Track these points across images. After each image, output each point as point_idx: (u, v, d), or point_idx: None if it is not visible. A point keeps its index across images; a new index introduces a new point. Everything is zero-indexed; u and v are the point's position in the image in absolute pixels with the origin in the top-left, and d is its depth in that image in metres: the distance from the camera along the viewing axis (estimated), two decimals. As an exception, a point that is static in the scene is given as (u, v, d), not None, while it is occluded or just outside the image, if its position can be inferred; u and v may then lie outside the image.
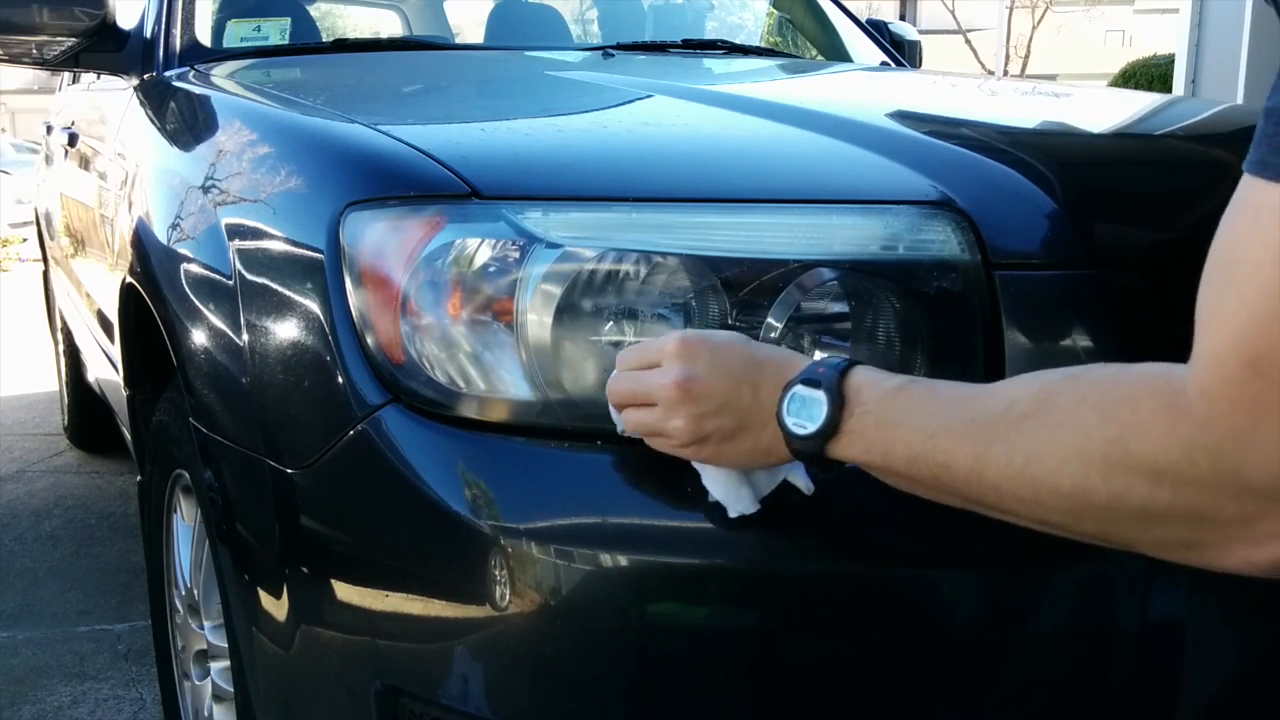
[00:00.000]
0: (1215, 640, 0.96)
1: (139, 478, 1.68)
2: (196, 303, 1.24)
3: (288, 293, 1.07)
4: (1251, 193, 0.61)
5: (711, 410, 0.81)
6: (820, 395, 0.76)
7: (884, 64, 2.49)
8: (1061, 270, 0.96)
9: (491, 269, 0.95)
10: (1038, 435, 0.66)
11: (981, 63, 21.99)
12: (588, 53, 2.19)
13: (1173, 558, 0.66)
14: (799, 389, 0.78)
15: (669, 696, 0.90)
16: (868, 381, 0.76)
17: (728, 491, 0.85)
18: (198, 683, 1.50)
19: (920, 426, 0.72)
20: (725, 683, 0.91)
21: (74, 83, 3.18)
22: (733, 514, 0.86)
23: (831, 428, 0.76)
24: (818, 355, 0.89)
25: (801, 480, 0.86)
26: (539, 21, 2.55)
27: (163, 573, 1.62)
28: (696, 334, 0.85)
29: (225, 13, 2.14)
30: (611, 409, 0.88)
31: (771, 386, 0.80)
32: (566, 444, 0.92)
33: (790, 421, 0.78)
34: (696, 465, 0.86)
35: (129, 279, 1.55)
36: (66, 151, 2.78)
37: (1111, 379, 0.65)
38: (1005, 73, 20.31)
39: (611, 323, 0.93)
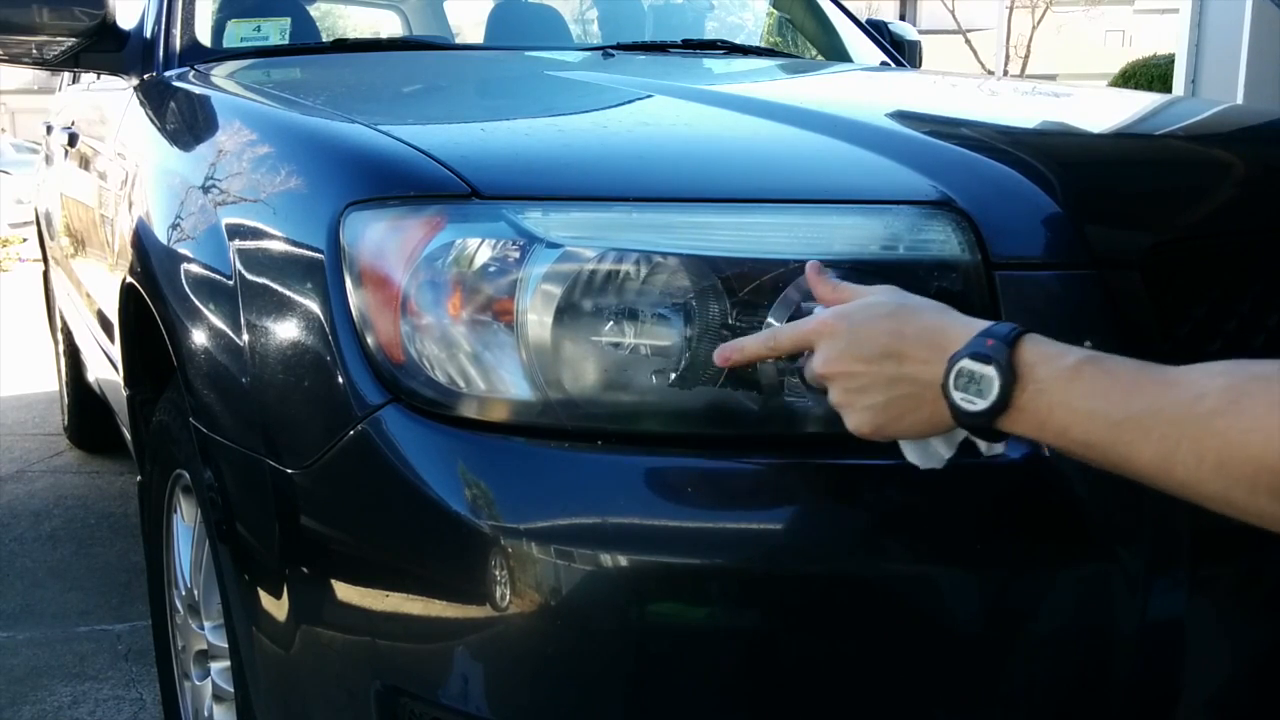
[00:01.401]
0: (1215, 640, 0.96)
1: (139, 478, 1.68)
2: (196, 303, 1.24)
3: (288, 293, 1.07)
4: None
5: (859, 389, 0.81)
6: (991, 371, 0.74)
7: (884, 64, 2.49)
8: (1061, 270, 0.96)
9: (492, 269, 0.95)
10: (1230, 438, 0.64)
11: (981, 63, 21.99)
12: (588, 53, 2.19)
13: None
14: (966, 363, 0.75)
15: (669, 696, 0.90)
16: (1041, 356, 0.74)
17: (913, 451, 0.84)
18: (198, 683, 1.50)
19: (1102, 414, 0.70)
20: (725, 683, 0.91)
21: (74, 83, 3.18)
22: (923, 467, 0.85)
23: (1003, 405, 0.74)
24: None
25: (981, 445, 0.83)
26: (539, 21, 2.55)
27: (163, 573, 1.62)
28: (839, 312, 0.83)
29: (225, 13, 2.14)
30: None
31: (930, 357, 0.78)
32: (566, 444, 0.92)
33: (958, 397, 0.76)
34: None
35: (129, 279, 1.55)
36: (66, 151, 2.78)
37: None
38: (1005, 73, 20.31)
39: (612, 323, 0.93)
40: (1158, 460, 0.68)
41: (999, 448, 0.83)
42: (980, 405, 0.75)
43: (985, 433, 0.77)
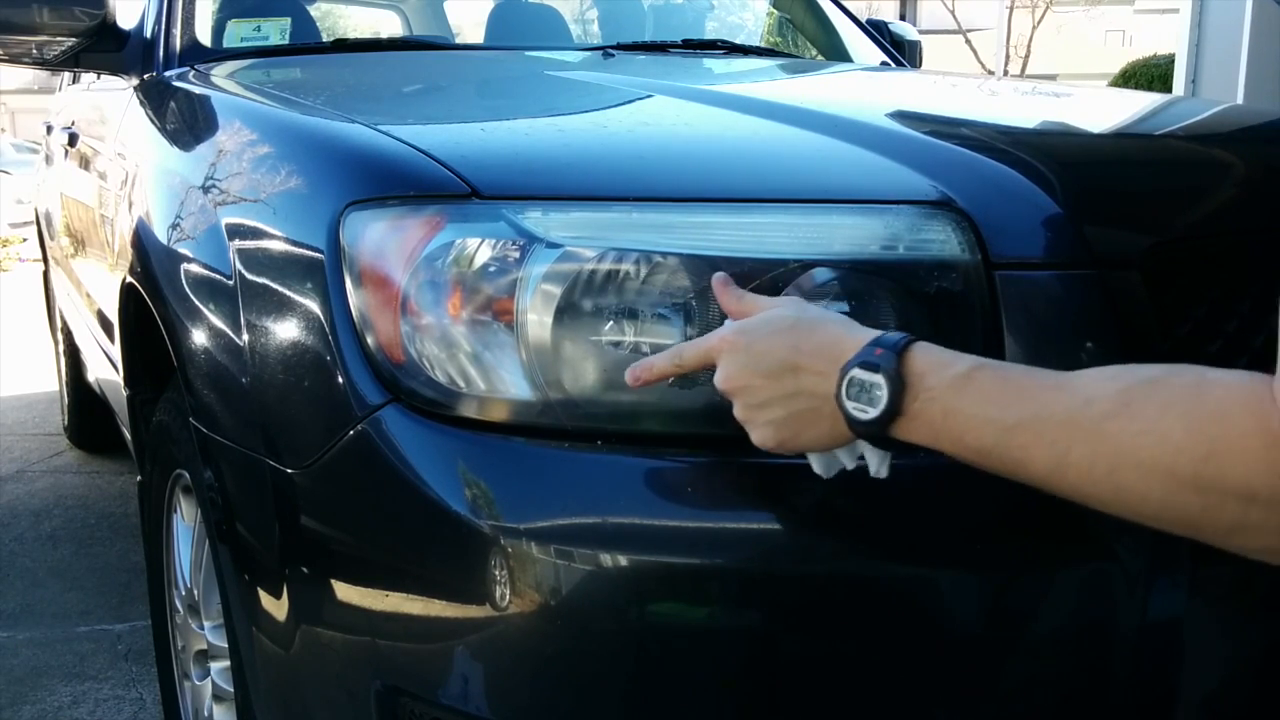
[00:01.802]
0: (1214, 640, 0.96)
1: (139, 478, 1.68)
2: (196, 303, 1.24)
3: (288, 293, 1.07)
4: None
5: (760, 403, 0.81)
6: (879, 379, 0.74)
7: (884, 64, 2.49)
8: (1061, 270, 0.96)
9: (491, 269, 0.95)
10: (1122, 442, 0.64)
11: (981, 63, 21.99)
12: (588, 53, 2.19)
13: (1270, 560, 0.65)
14: (856, 373, 0.76)
15: (669, 696, 0.90)
16: (930, 364, 0.74)
17: (817, 462, 0.85)
18: (198, 683, 1.50)
19: (993, 419, 0.70)
20: (725, 683, 0.91)
21: (74, 83, 3.18)
22: (825, 476, 0.85)
23: (893, 413, 0.74)
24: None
25: (875, 464, 0.84)
26: (539, 21, 2.55)
27: (163, 573, 1.62)
28: (738, 327, 0.84)
29: (225, 13, 2.14)
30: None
31: (825, 369, 0.78)
32: (566, 444, 0.92)
33: (850, 406, 0.76)
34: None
35: (129, 279, 1.55)
36: (66, 151, 2.78)
37: (1197, 389, 0.63)
38: (1005, 73, 20.31)
39: (611, 323, 0.93)
40: (1050, 465, 0.68)
41: (884, 470, 0.83)
42: (871, 414, 0.75)
43: (881, 441, 0.77)
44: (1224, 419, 0.61)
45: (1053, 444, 0.67)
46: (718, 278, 0.90)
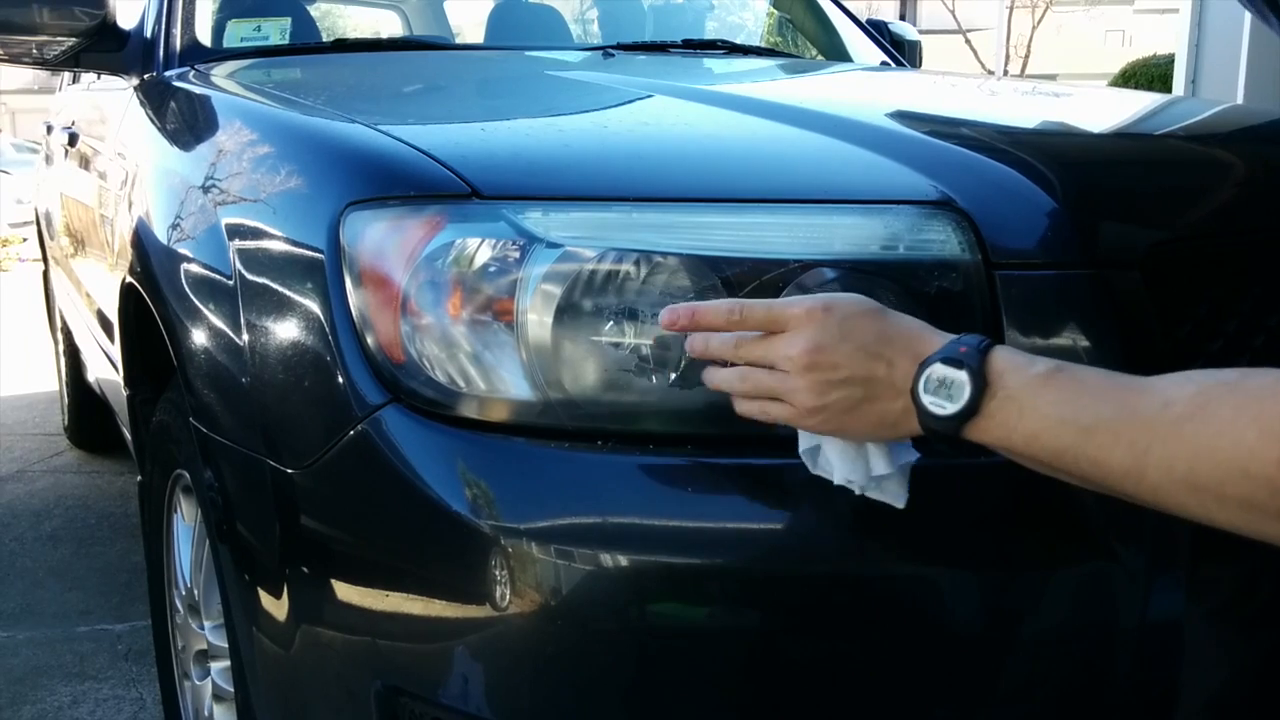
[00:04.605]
0: (1214, 640, 0.96)
1: (139, 478, 1.68)
2: (196, 303, 1.24)
3: (288, 292, 1.07)
4: None
5: (838, 380, 0.80)
6: (962, 376, 0.74)
7: (884, 64, 2.49)
8: (1061, 270, 0.96)
9: (492, 269, 0.95)
10: (1199, 444, 0.65)
11: (981, 63, 21.98)
12: (588, 53, 2.19)
13: None
14: (938, 367, 0.76)
15: (669, 696, 0.90)
16: (1012, 365, 0.74)
17: (844, 459, 0.83)
18: (198, 683, 1.50)
19: (1071, 419, 0.71)
20: (725, 683, 0.91)
21: (74, 83, 3.18)
22: (838, 480, 0.84)
23: (972, 410, 0.74)
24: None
25: (893, 495, 0.84)
26: (539, 21, 2.55)
27: (163, 573, 1.62)
28: (825, 300, 0.83)
29: (225, 13, 2.14)
30: (712, 371, 0.87)
31: (906, 361, 0.78)
32: (566, 444, 0.92)
33: (928, 400, 0.76)
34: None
35: (129, 279, 1.55)
36: (66, 151, 2.78)
37: (1271, 393, 0.64)
38: (1005, 73, 20.31)
39: (612, 323, 0.93)
40: (1128, 465, 0.68)
41: (901, 500, 0.83)
42: (950, 409, 0.75)
43: (951, 441, 0.77)
44: None
45: (1131, 444, 0.68)
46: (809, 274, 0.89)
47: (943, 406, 0.75)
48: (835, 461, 0.84)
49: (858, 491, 0.84)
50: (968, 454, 0.80)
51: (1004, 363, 0.75)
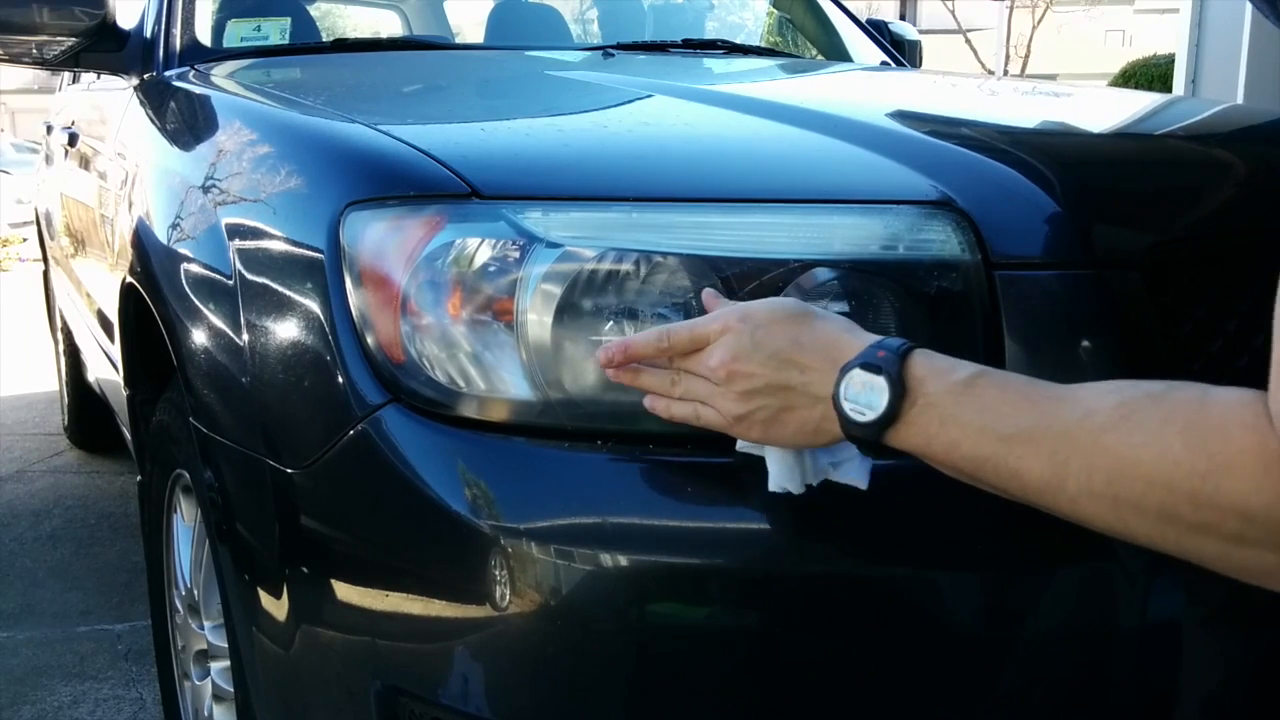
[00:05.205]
0: (1213, 641, 0.96)
1: (139, 478, 1.68)
2: (196, 302, 1.24)
3: (288, 292, 1.07)
4: None
5: (755, 390, 0.80)
6: (881, 382, 0.74)
7: (884, 64, 2.49)
8: (1061, 270, 0.96)
9: (491, 269, 0.95)
10: (1120, 454, 0.64)
11: (981, 63, 21.99)
12: (588, 53, 2.19)
13: (1269, 585, 0.64)
14: (857, 373, 0.76)
15: (669, 696, 0.90)
16: (931, 371, 0.74)
17: (780, 466, 0.84)
18: (198, 683, 1.50)
19: (991, 428, 0.70)
20: (725, 683, 0.91)
21: (74, 83, 3.18)
22: (773, 487, 0.84)
23: (891, 417, 0.74)
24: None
25: (855, 476, 0.84)
26: (539, 21, 2.55)
27: (163, 573, 1.62)
28: (742, 310, 0.83)
29: (225, 12, 2.14)
30: (647, 375, 0.88)
31: (823, 366, 0.78)
32: (566, 444, 0.92)
33: (848, 407, 0.76)
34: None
35: (129, 279, 1.55)
36: (66, 151, 2.78)
37: (1198, 404, 0.63)
38: (1005, 73, 20.30)
39: (612, 323, 0.93)
40: (1048, 476, 0.67)
41: (863, 481, 0.83)
42: (869, 416, 0.75)
43: (872, 447, 0.76)
44: (1223, 436, 0.60)
45: (1051, 455, 0.67)
46: (707, 292, 0.90)
47: (863, 413, 0.75)
48: (770, 468, 0.85)
49: (772, 487, 0.85)
50: (894, 459, 0.79)
51: (923, 369, 0.74)
